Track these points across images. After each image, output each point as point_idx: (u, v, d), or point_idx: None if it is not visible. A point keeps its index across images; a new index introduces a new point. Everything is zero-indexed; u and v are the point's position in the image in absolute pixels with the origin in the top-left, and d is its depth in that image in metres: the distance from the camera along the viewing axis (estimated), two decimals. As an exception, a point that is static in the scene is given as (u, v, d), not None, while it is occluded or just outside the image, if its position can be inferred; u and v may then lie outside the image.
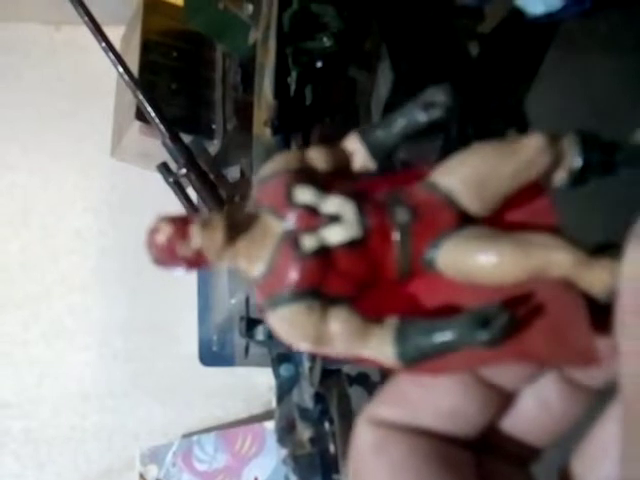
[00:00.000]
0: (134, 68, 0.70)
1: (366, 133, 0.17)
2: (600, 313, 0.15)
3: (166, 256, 0.15)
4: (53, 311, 0.78)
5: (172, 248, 0.15)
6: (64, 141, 0.82)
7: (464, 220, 0.16)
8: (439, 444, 0.17)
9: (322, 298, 0.15)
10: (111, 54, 0.56)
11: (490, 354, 0.15)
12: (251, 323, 0.58)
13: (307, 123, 0.52)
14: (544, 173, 0.16)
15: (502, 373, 0.18)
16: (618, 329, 0.15)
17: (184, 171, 0.59)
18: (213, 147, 0.74)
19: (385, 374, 0.17)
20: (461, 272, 0.16)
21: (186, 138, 0.61)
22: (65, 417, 0.75)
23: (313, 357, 0.52)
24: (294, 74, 0.50)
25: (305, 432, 0.56)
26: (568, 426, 0.19)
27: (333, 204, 0.16)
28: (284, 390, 0.58)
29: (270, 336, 0.57)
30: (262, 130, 0.46)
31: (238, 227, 0.15)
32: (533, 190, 0.17)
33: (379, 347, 0.15)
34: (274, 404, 0.65)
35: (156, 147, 0.64)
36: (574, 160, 0.16)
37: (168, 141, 0.58)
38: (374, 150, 0.17)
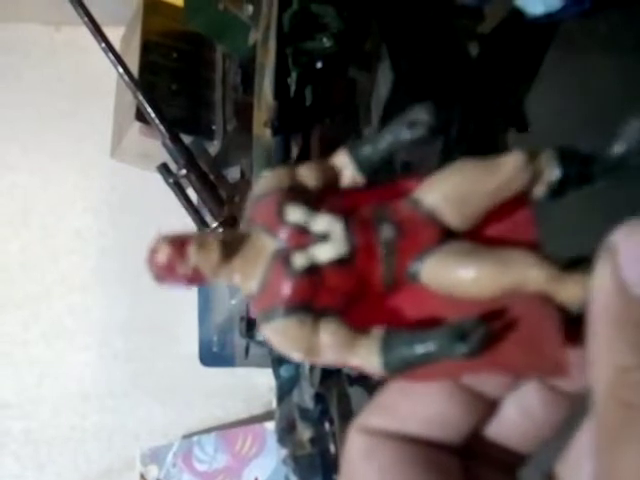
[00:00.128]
0: (134, 69, 0.70)
1: (354, 149, 0.17)
2: (574, 324, 0.16)
3: (166, 274, 0.16)
4: (53, 311, 0.78)
5: (172, 267, 0.16)
6: (64, 141, 0.82)
7: (447, 235, 0.17)
8: (426, 450, 0.18)
9: (313, 312, 0.16)
10: (111, 54, 0.56)
11: (468, 365, 0.16)
12: (251, 323, 0.58)
13: (307, 124, 0.52)
14: (524, 188, 0.17)
15: (484, 382, 0.18)
16: (590, 340, 0.16)
17: (184, 172, 0.59)
18: (213, 148, 0.74)
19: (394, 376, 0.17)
20: (443, 286, 0.17)
21: (186, 139, 0.61)
22: (65, 417, 0.75)
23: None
24: (294, 75, 0.50)
25: (305, 432, 0.56)
26: (550, 431, 0.20)
27: (322, 223, 0.16)
28: (284, 390, 0.58)
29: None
30: (262, 131, 0.46)
31: (232, 246, 0.16)
32: (514, 203, 0.17)
33: (366, 357, 0.16)
34: (274, 404, 0.65)
35: (156, 148, 0.64)
36: (553, 174, 0.17)
37: (168, 142, 0.58)
38: (361, 165, 0.17)
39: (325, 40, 0.50)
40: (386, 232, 0.17)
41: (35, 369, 0.76)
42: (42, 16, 0.85)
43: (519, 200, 0.17)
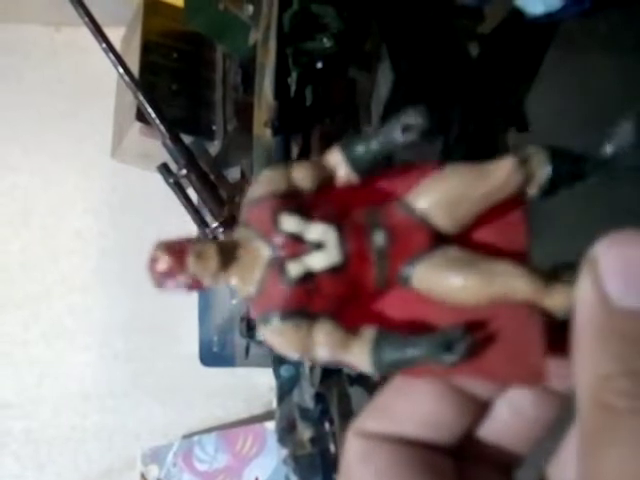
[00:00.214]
0: (134, 69, 0.70)
1: (347, 148, 0.18)
2: (560, 329, 0.17)
3: (166, 282, 0.17)
4: (53, 311, 0.78)
5: (172, 276, 0.17)
6: (65, 142, 0.83)
7: (438, 238, 0.18)
8: (421, 452, 0.19)
9: (308, 315, 0.17)
10: (111, 55, 0.56)
11: (454, 370, 0.17)
12: (251, 324, 0.58)
13: (307, 124, 0.52)
14: (516, 191, 0.18)
15: (475, 384, 0.19)
16: (574, 349, 0.16)
17: (184, 172, 0.59)
18: (213, 148, 0.74)
19: (384, 375, 0.18)
20: (432, 291, 0.17)
21: (186, 139, 0.61)
22: (66, 417, 0.75)
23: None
24: (294, 75, 0.50)
25: (306, 432, 0.56)
26: (542, 431, 0.20)
27: (316, 232, 0.17)
28: (285, 390, 0.58)
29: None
30: (262, 131, 0.46)
31: (229, 253, 0.17)
32: (506, 203, 0.18)
33: (359, 356, 0.17)
34: (275, 404, 0.65)
35: (156, 148, 0.64)
36: (544, 175, 0.17)
37: (168, 142, 0.58)
38: (355, 164, 0.18)
39: (325, 40, 0.50)
40: (378, 239, 0.17)
41: (35, 369, 0.76)
42: (42, 17, 0.85)
43: (511, 200, 0.18)
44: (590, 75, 0.39)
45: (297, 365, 0.57)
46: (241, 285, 0.17)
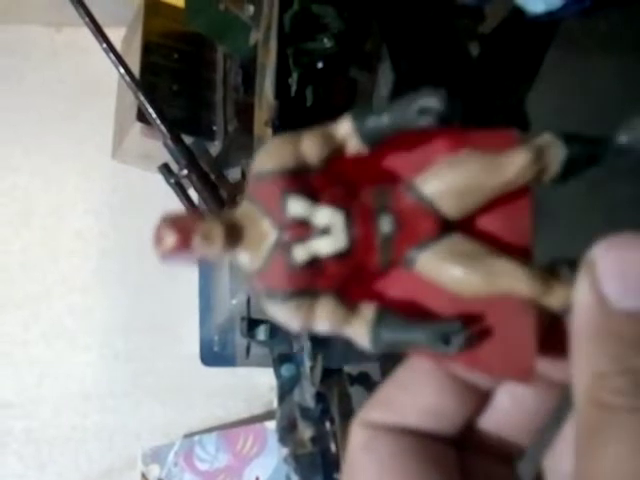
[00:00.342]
0: (135, 70, 0.70)
1: (358, 119, 0.17)
2: (557, 326, 0.18)
3: (172, 259, 0.17)
4: (53, 311, 0.78)
5: (177, 253, 0.17)
6: (65, 143, 0.83)
7: (444, 225, 0.18)
8: (423, 441, 0.19)
9: (311, 293, 0.17)
10: (112, 55, 0.56)
11: (449, 359, 0.17)
12: (252, 323, 0.58)
13: (308, 124, 0.52)
14: (529, 182, 0.18)
15: (474, 375, 0.19)
16: (572, 350, 0.17)
17: (185, 172, 0.59)
18: (214, 148, 0.74)
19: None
20: (433, 277, 0.18)
21: (187, 139, 0.61)
22: (66, 417, 0.75)
23: (314, 357, 0.52)
24: (295, 75, 0.50)
25: (306, 431, 0.56)
26: (543, 421, 0.20)
27: (323, 216, 0.17)
28: (285, 390, 0.58)
29: (271, 336, 0.57)
30: (263, 130, 0.47)
31: (235, 233, 0.17)
32: (514, 192, 0.18)
33: (359, 331, 0.17)
34: (275, 404, 0.65)
35: (157, 149, 0.65)
36: (559, 165, 0.17)
37: (169, 142, 0.59)
38: (365, 137, 0.17)
39: (326, 40, 0.51)
40: (385, 225, 0.17)
41: (36, 369, 0.76)
42: (43, 17, 0.85)
43: (519, 189, 0.18)
44: (590, 74, 0.39)
45: (298, 365, 0.58)
46: (246, 261, 0.17)
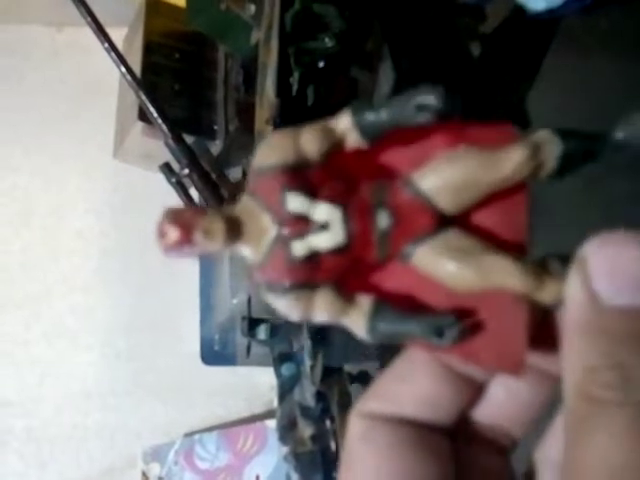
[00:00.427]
0: (136, 69, 0.70)
1: (357, 113, 0.18)
2: (550, 316, 0.18)
3: (175, 253, 0.17)
4: (55, 311, 0.78)
5: (179, 248, 0.17)
6: (66, 143, 0.83)
7: (441, 220, 0.18)
8: (419, 432, 0.20)
9: (310, 287, 0.18)
10: (113, 54, 0.56)
11: (443, 351, 0.18)
12: (253, 323, 0.58)
13: (309, 123, 0.52)
14: (525, 178, 0.18)
15: (468, 367, 0.20)
16: (564, 344, 0.17)
17: (186, 171, 0.59)
18: (215, 148, 0.74)
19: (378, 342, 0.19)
20: (429, 272, 0.18)
21: (188, 139, 0.62)
22: (67, 416, 0.75)
23: (315, 356, 0.52)
24: (296, 74, 0.50)
25: (306, 430, 0.56)
26: (537, 413, 0.21)
27: (322, 213, 0.17)
28: (286, 389, 0.58)
29: (271, 335, 0.58)
30: (264, 128, 0.47)
31: (236, 228, 0.17)
32: (511, 187, 0.18)
33: (356, 321, 0.18)
34: (275, 403, 0.65)
35: (158, 148, 0.65)
36: (556, 161, 0.17)
37: (171, 141, 0.59)
38: (364, 131, 0.17)
39: (327, 40, 0.51)
40: (382, 220, 0.18)
41: (37, 368, 0.76)
42: (44, 17, 0.85)
43: (516, 185, 0.18)
44: (590, 72, 0.39)
45: (298, 364, 0.58)
46: (247, 254, 0.18)
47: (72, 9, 0.57)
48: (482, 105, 0.48)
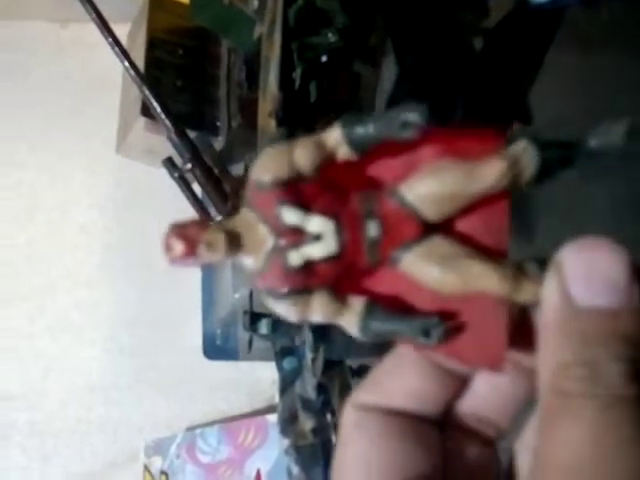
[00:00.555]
0: (140, 65, 0.71)
1: (347, 127, 0.19)
2: (528, 316, 0.20)
3: (180, 264, 0.19)
4: (58, 305, 0.78)
5: (185, 260, 0.19)
6: (70, 138, 0.83)
7: (426, 227, 0.19)
8: (408, 422, 0.21)
9: (306, 292, 0.19)
10: (117, 48, 0.57)
11: (429, 350, 0.20)
12: (255, 317, 0.58)
13: (311, 119, 0.53)
14: (505, 187, 0.19)
15: (452, 363, 0.21)
16: (540, 343, 0.18)
17: (189, 166, 0.59)
18: (218, 144, 0.74)
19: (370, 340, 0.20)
20: (416, 276, 0.20)
21: (191, 134, 0.62)
22: (71, 410, 0.76)
23: (316, 349, 0.52)
24: (299, 70, 0.51)
25: (307, 423, 0.56)
26: (519, 405, 0.22)
27: (316, 224, 0.19)
28: (287, 382, 0.58)
29: (273, 330, 0.58)
30: (267, 122, 0.47)
31: (236, 240, 0.19)
32: (492, 195, 0.19)
33: (349, 322, 0.19)
34: (277, 399, 0.65)
35: (161, 143, 0.65)
36: (534, 170, 0.19)
37: (173, 136, 0.59)
38: (353, 144, 0.19)
39: (330, 35, 0.51)
40: (372, 229, 0.19)
41: (41, 362, 0.76)
42: (48, 13, 0.85)
43: (498, 192, 0.19)
44: (591, 63, 0.39)
45: (300, 358, 0.58)
46: (247, 264, 0.19)
47: (77, 5, 0.57)
48: (485, 99, 0.48)
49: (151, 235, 0.77)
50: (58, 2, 0.80)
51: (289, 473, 0.62)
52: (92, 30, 0.58)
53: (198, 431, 0.74)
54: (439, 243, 0.19)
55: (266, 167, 0.19)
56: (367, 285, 0.20)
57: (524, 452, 0.22)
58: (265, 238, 0.19)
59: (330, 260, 0.19)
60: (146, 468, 0.73)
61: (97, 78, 0.83)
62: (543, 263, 0.18)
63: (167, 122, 0.58)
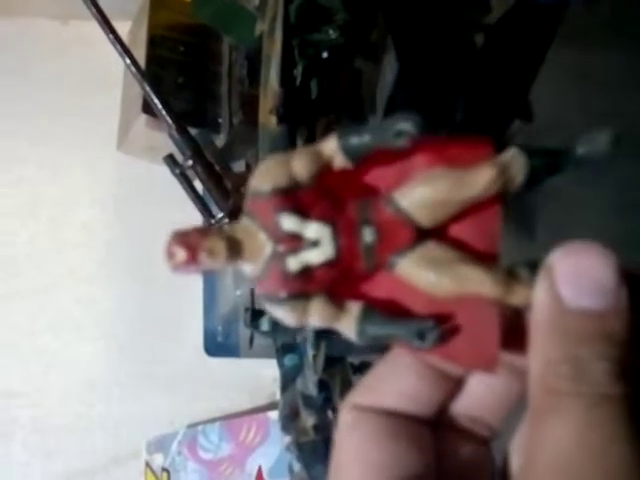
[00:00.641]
0: (141, 62, 0.71)
1: (342, 138, 0.19)
2: (521, 318, 0.20)
3: (183, 271, 0.19)
4: (60, 302, 0.78)
5: (186, 267, 0.19)
6: (72, 135, 0.83)
7: (420, 233, 0.20)
8: (402, 422, 0.22)
9: (304, 296, 0.20)
10: (118, 45, 0.57)
11: (424, 352, 0.20)
12: (256, 314, 0.58)
13: (312, 116, 0.53)
14: (495, 193, 0.20)
15: (446, 365, 0.22)
16: (530, 342, 0.19)
17: (190, 163, 0.59)
18: (219, 141, 0.74)
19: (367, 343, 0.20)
20: (411, 280, 0.20)
21: (192, 132, 0.62)
22: (72, 406, 0.76)
23: (317, 345, 0.52)
24: (300, 67, 0.50)
25: (309, 419, 0.56)
26: (512, 405, 0.23)
27: (313, 231, 0.19)
28: (288, 379, 0.58)
29: (274, 327, 0.58)
30: (268, 119, 0.47)
31: (237, 247, 0.19)
32: (484, 200, 0.20)
33: (346, 326, 0.20)
34: (278, 396, 0.65)
35: (162, 140, 0.65)
36: (523, 177, 0.19)
37: (175, 132, 0.59)
38: (349, 154, 0.19)
39: (331, 32, 0.51)
40: (367, 236, 0.20)
41: (42, 359, 0.77)
42: (49, 11, 0.85)
43: (489, 198, 0.20)
44: (591, 59, 0.39)
45: (301, 355, 0.58)
46: (248, 269, 0.20)
47: (78, 3, 0.57)
48: (485, 97, 0.48)
49: (152, 232, 0.78)
50: (59, -1, 0.81)
51: (290, 470, 0.62)
52: (93, 27, 0.58)
53: (199, 428, 0.74)
54: (433, 248, 0.20)
55: (265, 176, 0.19)
56: (364, 290, 0.20)
57: (518, 452, 0.22)
58: (264, 245, 0.19)
59: (328, 265, 0.19)
60: (147, 465, 0.74)
61: (98, 75, 0.83)
62: (534, 267, 0.19)
63: (168, 119, 0.58)
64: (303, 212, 0.19)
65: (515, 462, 0.22)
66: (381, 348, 0.23)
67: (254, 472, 0.71)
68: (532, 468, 0.18)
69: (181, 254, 0.19)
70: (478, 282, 0.19)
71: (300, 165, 0.19)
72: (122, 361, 0.77)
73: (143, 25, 0.77)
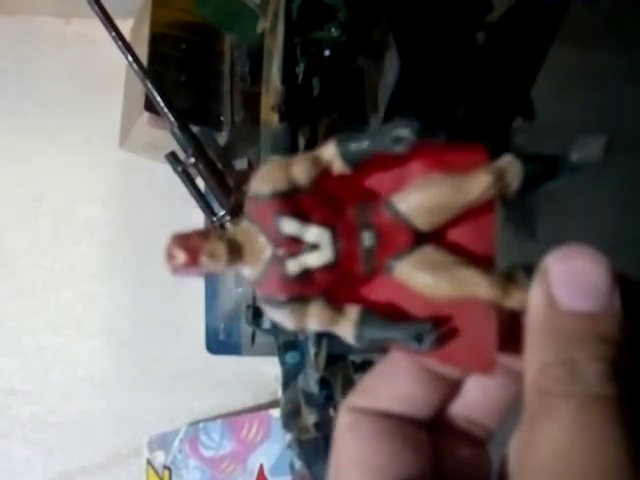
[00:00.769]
0: (143, 60, 0.71)
1: (341, 144, 0.20)
2: (517, 321, 0.20)
3: (183, 274, 0.20)
4: (62, 300, 0.78)
5: (187, 269, 0.19)
6: (74, 133, 0.83)
7: (418, 237, 0.20)
8: (399, 424, 0.22)
9: (302, 300, 0.20)
10: (120, 43, 0.57)
11: (422, 355, 0.20)
12: (257, 311, 0.58)
13: (314, 115, 0.53)
14: (492, 198, 0.20)
15: (443, 368, 0.22)
16: (525, 344, 0.19)
17: (192, 160, 0.59)
18: (221, 139, 0.74)
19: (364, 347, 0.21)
20: (409, 284, 0.20)
21: (194, 129, 0.62)
22: (73, 404, 0.76)
23: (319, 343, 0.52)
24: (302, 65, 0.50)
25: (310, 417, 0.56)
26: (509, 407, 0.23)
27: (313, 234, 0.19)
28: (290, 376, 0.58)
29: (276, 325, 0.58)
30: (269, 115, 0.47)
31: (237, 250, 0.19)
32: (481, 205, 0.20)
33: (345, 329, 0.20)
34: (280, 393, 0.65)
35: (164, 138, 0.65)
36: (519, 183, 0.20)
37: (177, 130, 0.59)
38: (348, 159, 0.20)
39: (333, 30, 0.51)
40: (367, 239, 0.20)
41: (44, 356, 0.77)
42: (52, 8, 0.86)
43: (485, 203, 0.20)
44: (592, 57, 0.39)
45: (302, 352, 0.58)
46: (247, 273, 0.20)
47: (80, 1, 0.57)
48: (487, 96, 0.48)
49: (154, 229, 0.78)
50: (62, -3, 0.81)
51: (292, 467, 0.62)
52: (96, 25, 0.58)
53: (201, 425, 0.74)
54: (430, 252, 0.20)
55: (265, 180, 0.20)
56: (362, 293, 0.21)
57: (515, 453, 0.22)
58: (264, 248, 0.19)
59: (327, 269, 0.19)
60: (149, 462, 0.74)
61: (101, 73, 0.83)
62: (531, 270, 0.19)
63: (170, 117, 0.58)
64: (303, 216, 0.19)
65: (512, 464, 0.22)
66: (383, 347, 0.23)
67: (255, 470, 0.71)
68: (526, 469, 0.18)
69: (181, 257, 0.19)
70: (475, 285, 0.20)
71: (299, 170, 0.20)
72: (123, 359, 0.77)
73: (145, 23, 0.77)
